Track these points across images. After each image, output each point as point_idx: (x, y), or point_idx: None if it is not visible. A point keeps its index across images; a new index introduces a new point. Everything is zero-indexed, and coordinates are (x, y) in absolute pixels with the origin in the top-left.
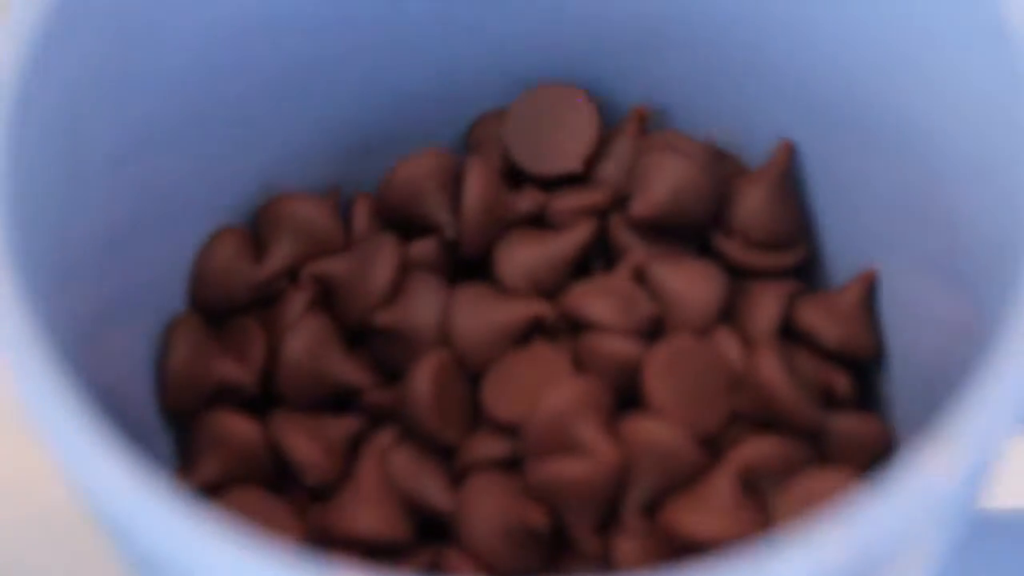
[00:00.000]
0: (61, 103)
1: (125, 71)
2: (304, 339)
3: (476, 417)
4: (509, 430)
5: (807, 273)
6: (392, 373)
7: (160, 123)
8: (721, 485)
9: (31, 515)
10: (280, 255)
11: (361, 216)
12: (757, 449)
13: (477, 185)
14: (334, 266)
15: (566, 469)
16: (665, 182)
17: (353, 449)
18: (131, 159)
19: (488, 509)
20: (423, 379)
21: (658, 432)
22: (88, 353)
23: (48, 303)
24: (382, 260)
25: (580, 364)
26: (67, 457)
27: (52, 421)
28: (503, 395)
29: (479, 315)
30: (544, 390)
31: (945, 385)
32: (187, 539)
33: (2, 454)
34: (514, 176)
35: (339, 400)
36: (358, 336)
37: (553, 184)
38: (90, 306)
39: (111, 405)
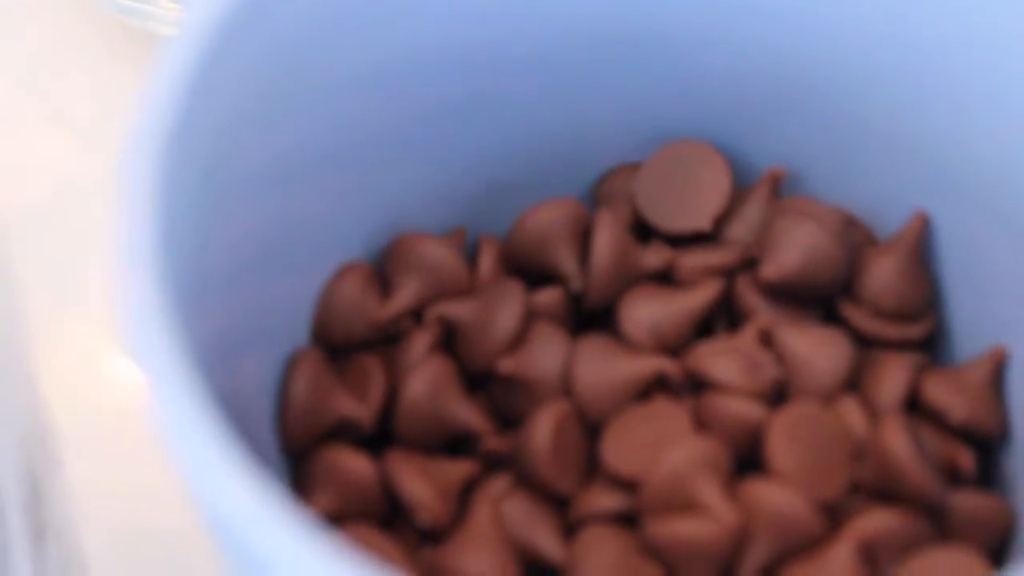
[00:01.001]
0: (213, 135)
1: (273, 109)
2: (425, 381)
3: (592, 469)
4: (626, 484)
5: (933, 346)
6: (509, 420)
7: (299, 159)
8: (840, 555)
9: (132, 533)
10: (405, 294)
11: (487, 260)
12: (878, 521)
13: (607, 239)
14: (459, 309)
15: (686, 528)
16: (797, 247)
17: (466, 493)
18: (269, 192)
19: (602, 563)
20: (543, 428)
21: (779, 497)
22: (217, 379)
23: (187, 324)
24: (509, 307)
25: (701, 423)
26: (196, 475)
27: (186, 439)
28: (622, 449)
29: (602, 367)
30: (665, 447)
31: None
32: (311, 565)
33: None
34: (642, 231)
35: (455, 443)
36: (477, 380)
37: (681, 241)
38: (221, 334)
39: (235, 432)
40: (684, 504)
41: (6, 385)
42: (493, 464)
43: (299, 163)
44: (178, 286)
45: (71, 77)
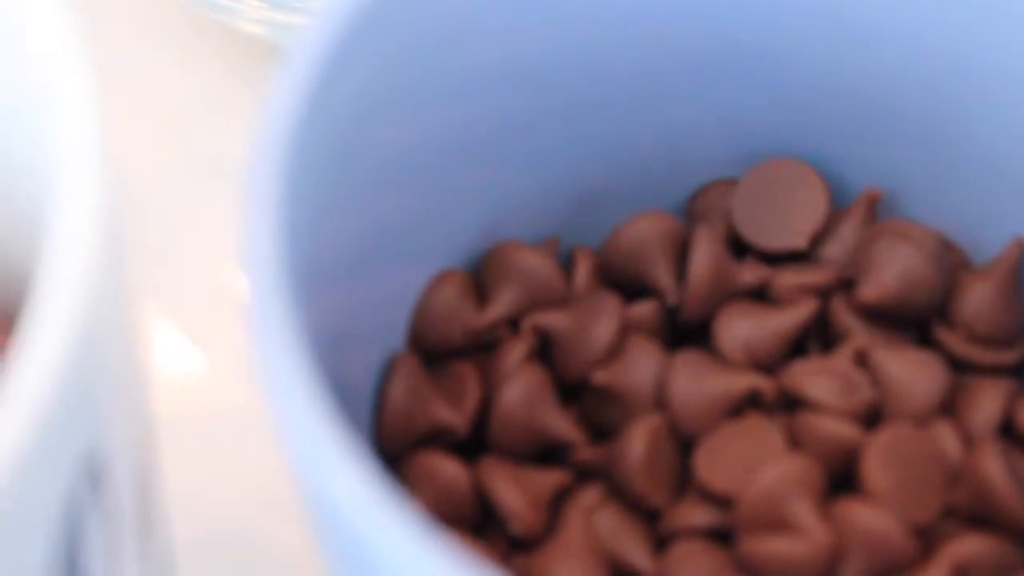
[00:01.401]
0: (335, 132)
1: (389, 110)
2: (521, 389)
3: (683, 484)
4: (718, 500)
5: (1021, 373)
6: (602, 431)
7: (407, 162)
8: None
9: (213, 532)
10: (502, 303)
11: (583, 271)
12: (972, 546)
13: (705, 254)
14: (555, 319)
15: (779, 547)
16: (894, 269)
17: (557, 502)
18: (379, 193)
19: None
20: (638, 441)
21: (873, 518)
22: (326, 371)
23: (304, 318)
24: (605, 318)
25: (795, 442)
26: (310, 464)
27: (302, 429)
28: (716, 465)
29: (697, 382)
30: (759, 464)
31: None
32: (418, 558)
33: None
34: (737, 247)
35: (548, 452)
36: (572, 391)
37: (776, 259)
38: (327, 330)
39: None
40: (777, 522)
41: (125, 385)
42: (585, 475)
43: (406, 167)
44: (297, 280)
45: (159, 73)
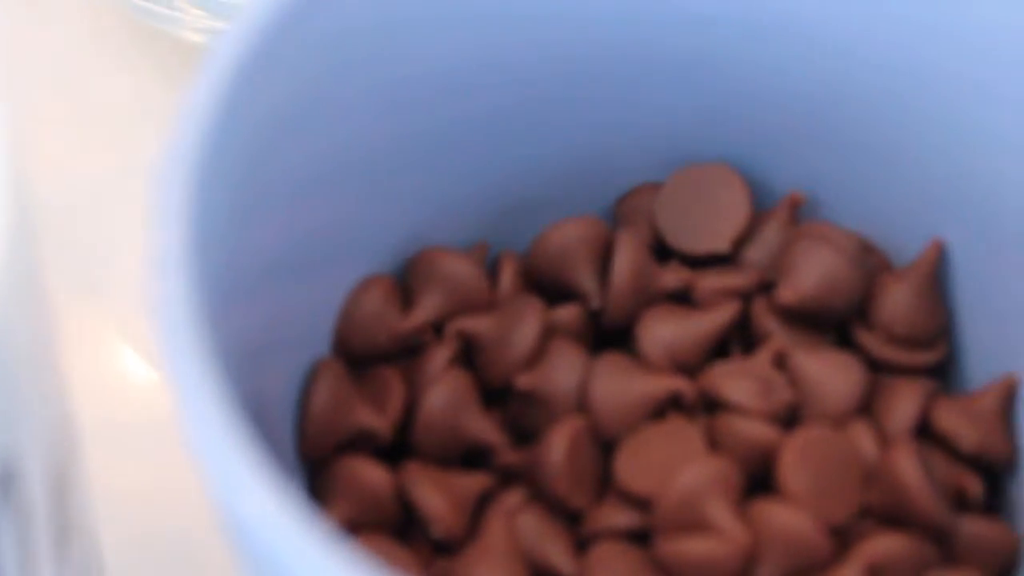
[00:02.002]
0: (249, 142)
1: (306, 118)
2: (444, 394)
3: (605, 486)
4: (638, 502)
5: (946, 373)
6: (526, 435)
7: (328, 169)
8: None
9: (148, 535)
10: (427, 308)
11: (507, 276)
12: (886, 545)
13: (627, 258)
14: (479, 324)
15: (696, 547)
16: (813, 271)
17: (481, 506)
18: (298, 201)
19: None
20: (558, 444)
21: (789, 519)
22: (242, 382)
23: (216, 329)
24: (527, 323)
25: (714, 444)
26: (219, 478)
27: (210, 442)
28: (636, 467)
29: (618, 385)
30: (678, 466)
31: None
32: (330, 572)
33: (124, 474)
34: (661, 251)
35: (471, 456)
36: (495, 395)
37: (699, 262)
38: (246, 337)
39: (257, 436)
40: (695, 523)
41: (37, 385)
42: (509, 478)
43: (328, 173)
44: (209, 291)
45: (100, 79)
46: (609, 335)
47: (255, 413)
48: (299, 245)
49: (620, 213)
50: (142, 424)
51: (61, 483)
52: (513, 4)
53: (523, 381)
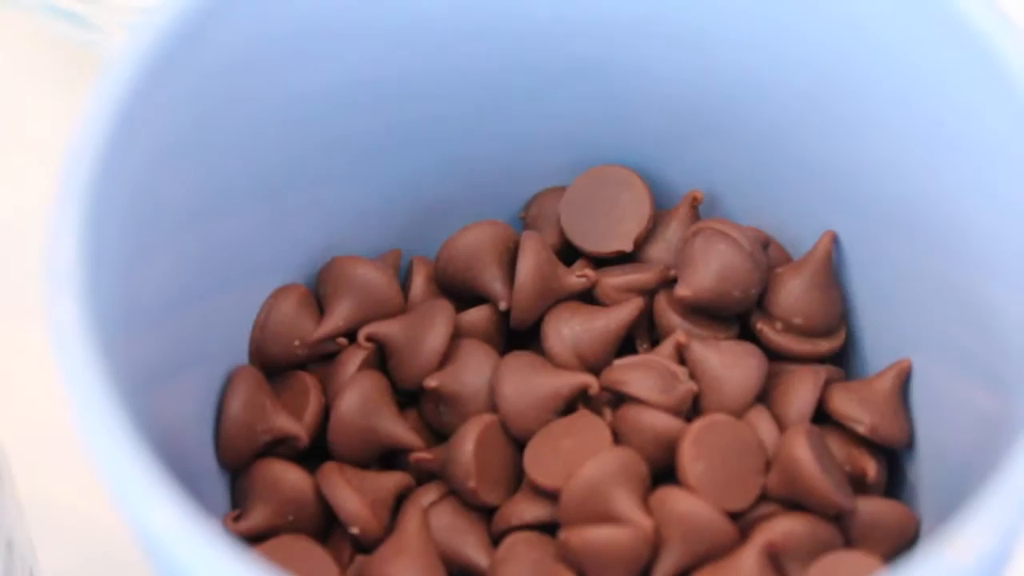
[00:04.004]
0: (143, 164)
1: (205, 137)
2: (358, 397)
3: (517, 481)
4: (548, 495)
5: (843, 360)
6: (440, 434)
7: (231, 188)
8: (748, 561)
9: (91, 541)
10: (339, 315)
11: (419, 281)
12: (784, 528)
13: (531, 260)
14: (390, 328)
15: (601, 536)
16: (711, 266)
17: (399, 505)
18: (202, 221)
19: (523, 570)
20: (468, 441)
21: (691, 506)
22: (151, 399)
23: (115, 351)
24: (436, 326)
25: (620, 436)
26: (123, 497)
27: (110, 462)
28: (545, 461)
29: (526, 383)
30: (584, 459)
31: (972, 476)
32: None
33: (64, 481)
34: (567, 251)
35: (388, 457)
36: (410, 396)
37: (604, 261)
38: (157, 355)
39: (170, 450)
40: (601, 513)
41: None
42: (425, 477)
43: (233, 189)
44: (105, 315)
45: (29, 100)
46: (520, 335)
47: (166, 428)
48: (208, 261)
49: (528, 217)
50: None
51: None
52: (414, 19)
53: (433, 382)
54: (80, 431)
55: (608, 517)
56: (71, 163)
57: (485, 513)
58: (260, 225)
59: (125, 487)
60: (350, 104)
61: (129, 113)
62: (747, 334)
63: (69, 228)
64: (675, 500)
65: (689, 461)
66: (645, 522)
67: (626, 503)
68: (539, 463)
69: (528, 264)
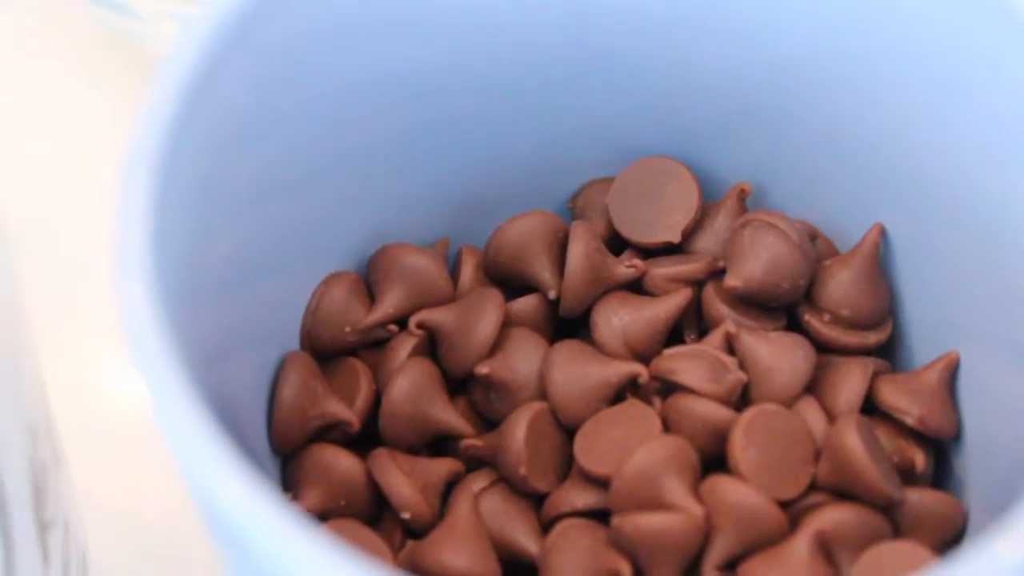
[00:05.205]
0: (206, 150)
1: (264, 124)
2: (408, 384)
3: (567, 468)
4: (598, 482)
5: (890, 352)
6: (489, 421)
7: (289, 173)
8: (798, 549)
9: (134, 539)
10: (389, 302)
11: (468, 269)
12: (835, 517)
13: (581, 249)
14: (441, 316)
15: (654, 522)
16: (760, 257)
17: (449, 491)
18: (260, 205)
19: (574, 556)
20: (519, 428)
21: (742, 494)
22: (210, 380)
23: (181, 331)
24: (487, 314)
25: (669, 425)
26: (194, 473)
27: (183, 439)
28: (595, 449)
29: (576, 372)
30: (635, 447)
31: (1020, 469)
32: (303, 556)
33: (107, 479)
34: (615, 242)
35: (436, 443)
36: (459, 383)
37: (651, 252)
38: (214, 338)
39: (227, 432)
40: (652, 500)
41: (11, 379)
42: (474, 464)
43: (289, 177)
44: (172, 295)
45: (74, 93)
46: (566, 325)
47: (227, 409)
48: (264, 247)
49: (575, 207)
50: (119, 430)
51: (39, 483)
52: (466, 11)
53: (483, 369)
54: (153, 409)
55: (659, 504)
56: (138, 150)
57: (534, 500)
58: (312, 213)
59: (198, 462)
60: (399, 96)
61: (192, 101)
62: (793, 326)
63: (137, 215)
64: (726, 488)
65: (740, 449)
66: (697, 509)
67: (677, 490)
68: (590, 451)
69: (578, 253)
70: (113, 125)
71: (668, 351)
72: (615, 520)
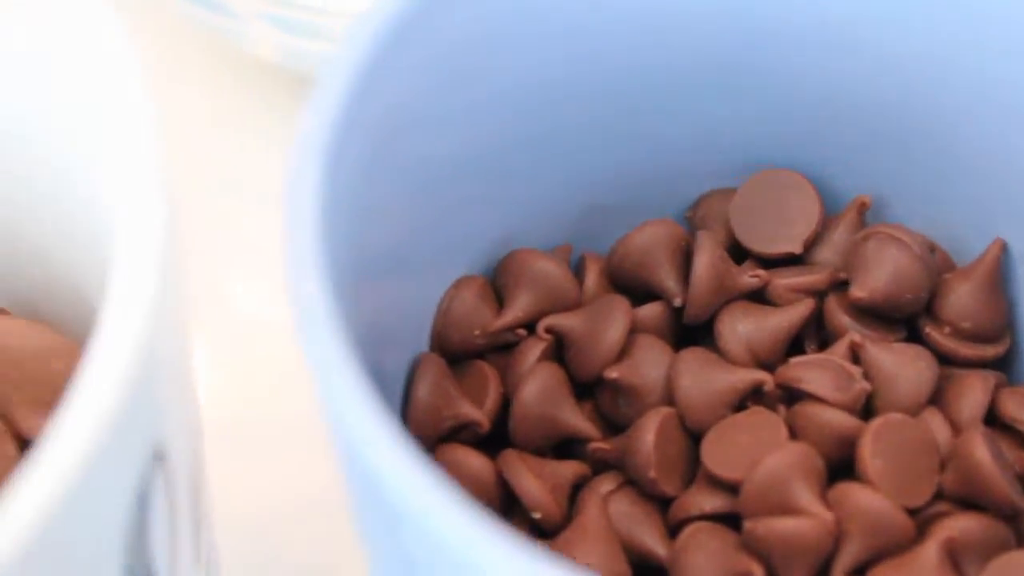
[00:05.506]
0: (365, 147)
1: (417, 123)
2: (539, 386)
3: (693, 473)
4: (726, 486)
5: (1009, 366)
6: (613, 425)
7: (436, 171)
8: (928, 556)
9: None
10: (519, 306)
11: (592, 276)
12: (963, 525)
13: (708, 258)
14: (569, 321)
15: (787, 527)
16: (884, 269)
17: (575, 492)
18: (408, 200)
19: (705, 558)
20: (648, 432)
21: (872, 500)
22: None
23: (346, 318)
24: (616, 319)
25: (795, 432)
26: (361, 449)
27: (353, 423)
28: (723, 454)
29: (702, 378)
30: (764, 452)
31: None
32: (486, 544)
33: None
34: (735, 252)
35: (565, 446)
36: (585, 388)
37: (772, 263)
38: (363, 331)
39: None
40: (781, 506)
41: (178, 384)
42: (601, 466)
43: (435, 177)
44: (336, 284)
45: (172, 93)
46: (687, 332)
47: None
48: (405, 243)
49: (695, 217)
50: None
51: (196, 475)
52: (602, 19)
53: (614, 373)
54: (321, 392)
55: (788, 509)
56: (308, 137)
57: (659, 503)
58: (450, 213)
59: (372, 449)
60: (541, 102)
61: (358, 96)
62: (911, 338)
63: (307, 203)
64: (857, 495)
65: (869, 457)
66: (827, 514)
67: (806, 496)
68: (718, 456)
69: (704, 262)
70: (213, 125)
71: (794, 360)
72: (747, 524)
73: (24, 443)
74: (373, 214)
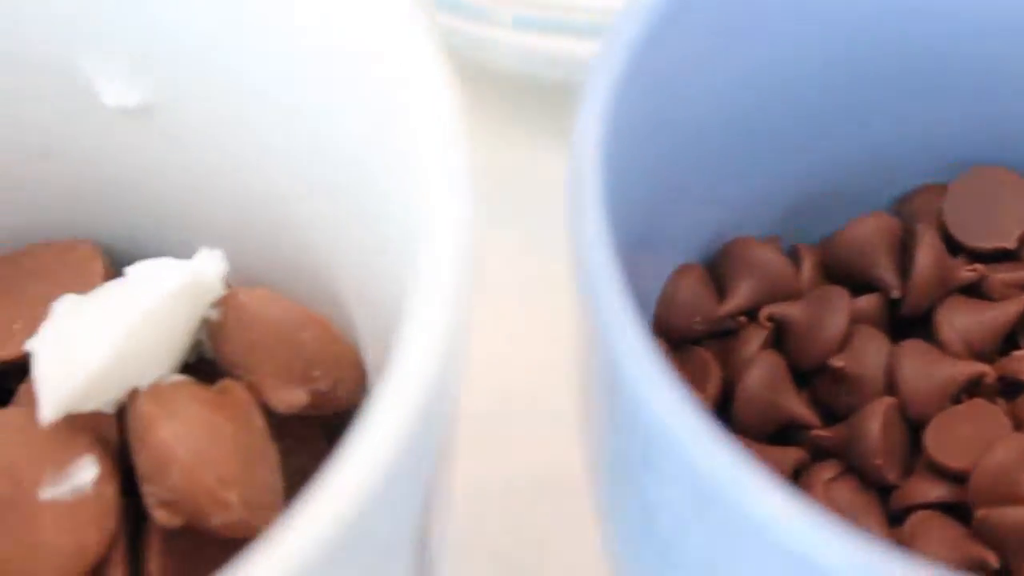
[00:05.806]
0: (632, 140)
1: (661, 125)
2: (762, 374)
3: (911, 461)
4: (950, 476)
5: None
6: (830, 412)
7: (673, 167)
8: None
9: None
10: (741, 294)
11: (809, 266)
12: None
13: (930, 251)
14: (790, 310)
15: (1021, 516)
16: None
17: (794, 478)
18: (651, 196)
19: (935, 546)
20: (875, 420)
21: None
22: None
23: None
24: (838, 309)
25: (1018, 424)
26: (645, 397)
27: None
28: (948, 444)
29: (924, 369)
30: (988, 443)
31: None
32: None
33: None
34: (948, 246)
35: (783, 432)
36: (802, 376)
37: (984, 258)
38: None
39: None
40: (1009, 496)
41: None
42: (819, 453)
43: (677, 160)
44: (619, 247)
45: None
46: (901, 323)
47: None
48: (644, 234)
49: (905, 211)
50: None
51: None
52: (827, 8)
53: (839, 362)
54: (608, 341)
55: (1016, 499)
56: (592, 109)
57: (879, 492)
58: (677, 201)
59: (656, 395)
60: (767, 91)
61: (635, 65)
62: None
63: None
64: None
65: None
66: None
67: None
68: (943, 445)
69: (927, 255)
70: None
71: (1017, 353)
72: (980, 512)
73: (269, 414)
74: (632, 205)
